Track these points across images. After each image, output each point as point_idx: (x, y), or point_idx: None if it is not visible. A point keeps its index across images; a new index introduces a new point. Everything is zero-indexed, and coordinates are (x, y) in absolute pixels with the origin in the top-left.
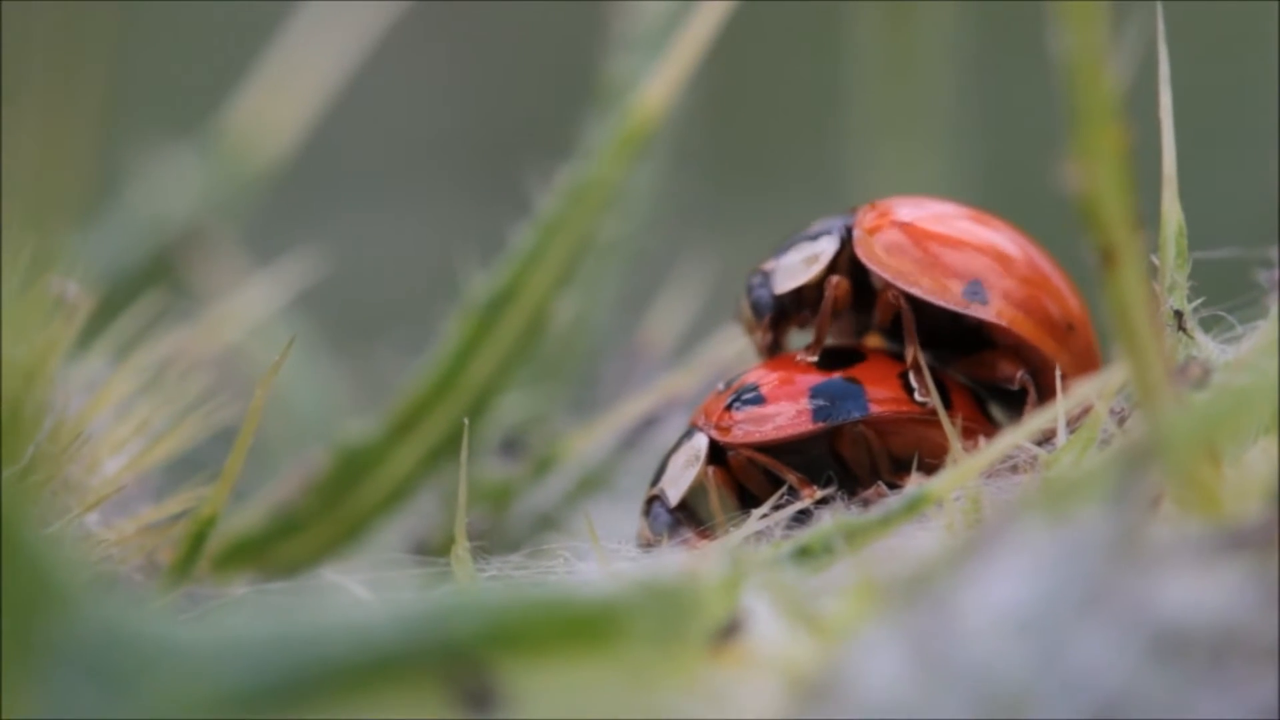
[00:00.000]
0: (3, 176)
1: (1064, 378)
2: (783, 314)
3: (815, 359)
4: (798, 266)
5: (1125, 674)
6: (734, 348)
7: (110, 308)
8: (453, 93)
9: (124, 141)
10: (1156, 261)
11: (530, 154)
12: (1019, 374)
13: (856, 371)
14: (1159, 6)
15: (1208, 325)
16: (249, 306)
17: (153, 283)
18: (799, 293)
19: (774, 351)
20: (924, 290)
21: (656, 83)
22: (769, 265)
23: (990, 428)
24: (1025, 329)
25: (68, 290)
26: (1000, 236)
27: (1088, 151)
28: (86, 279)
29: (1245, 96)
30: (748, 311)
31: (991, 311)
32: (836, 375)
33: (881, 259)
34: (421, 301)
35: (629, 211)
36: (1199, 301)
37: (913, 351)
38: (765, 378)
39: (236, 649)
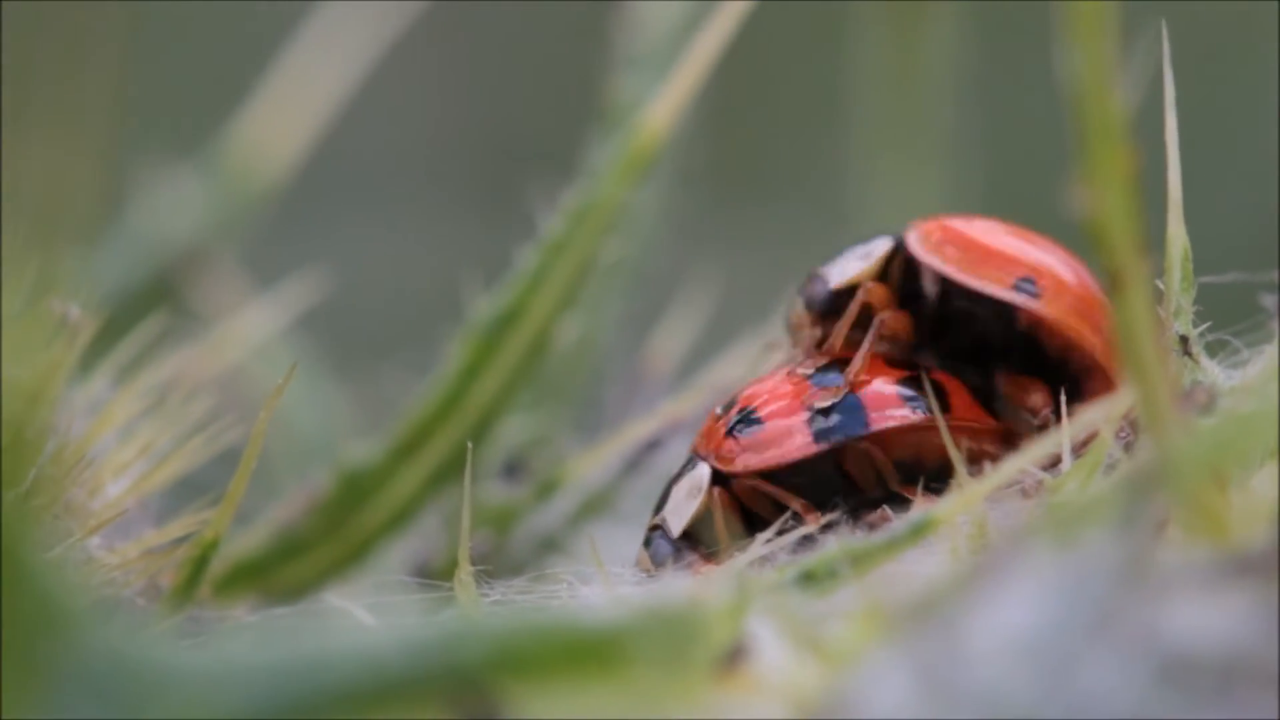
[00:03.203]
0: (6, 196)
1: (1114, 386)
2: (835, 311)
3: (811, 371)
4: (853, 263)
5: (1132, 699)
6: (738, 369)
7: (113, 329)
8: (456, 111)
9: (126, 162)
10: (1161, 286)
11: (534, 173)
12: (1044, 411)
13: (854, 385)
14: (1165, 28)
15: (1213, 350)
16: (252, 328)
17: (155, 304)
18: (854, 290)
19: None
20: (980, 281)
21: (661, 103)
22: (825, 268)
23: (992, 423)
24: (1077, 328)
25: (70, 312)
26: (1047, 250)
27: (1096, 175)
28: (89, 301)
29: (1250, 119)
30: (800, 309)
31: (1043, 305)
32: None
33: (938, 250)
34: (425, 321)
35: (633, 232)
36: (1205, 326)
37: (854, 365)
38: (762, 398)
39: (242, 674)
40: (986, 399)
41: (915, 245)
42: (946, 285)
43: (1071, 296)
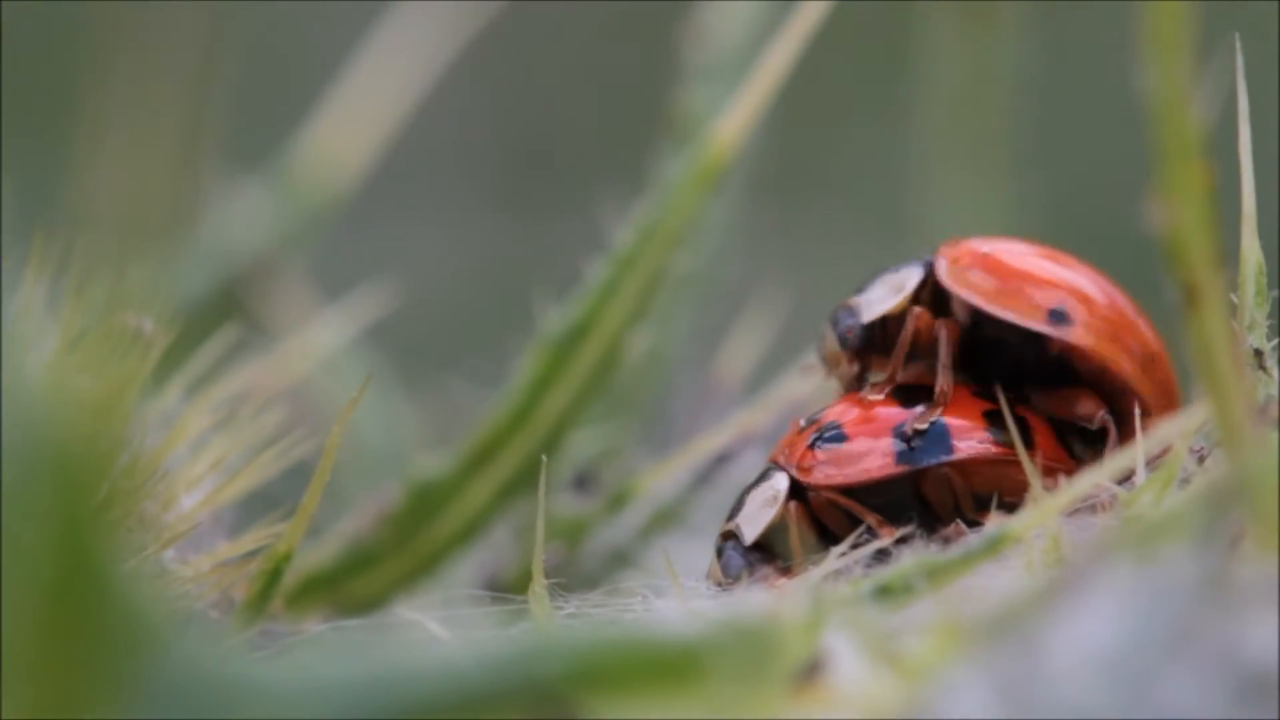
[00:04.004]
0: (82, 208)
1: (1148, 409)
2: (869, 345)
3: (891, 392)
4: (884, 295)
5: (1211, 716)
6: (808, 383)
7: (184, 343)
8: (522, 122)
9: (197, 174)
10: (1235, 299)
11: (600, 185)
12: (1100, 414)
13: (942, 411)
14: (1238, 40)
15: None
16: (320, 340)
17: (225, 317)
18: (885, 322)
19: (860, 384)
20: (1011, 313)
21: (731, 116)
22: (853, 300)
23: (1072, 464)
24: (1110, 354)
25: (144, 325)
26: (1079, 273)
27: (1172, 190)
28: (162, 314)
29: None
30: (833, 344)
31: (1076, 334)
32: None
33: (968, 282)
34: (489, 332)
35: (702, 245)
36: (1278, 340)
37: (944, 380)
38: (848, 416)
39: (323, 688)
40: (1065, 439)
41: (945, 275)
42: (978, 314)
43: (1104, 323)
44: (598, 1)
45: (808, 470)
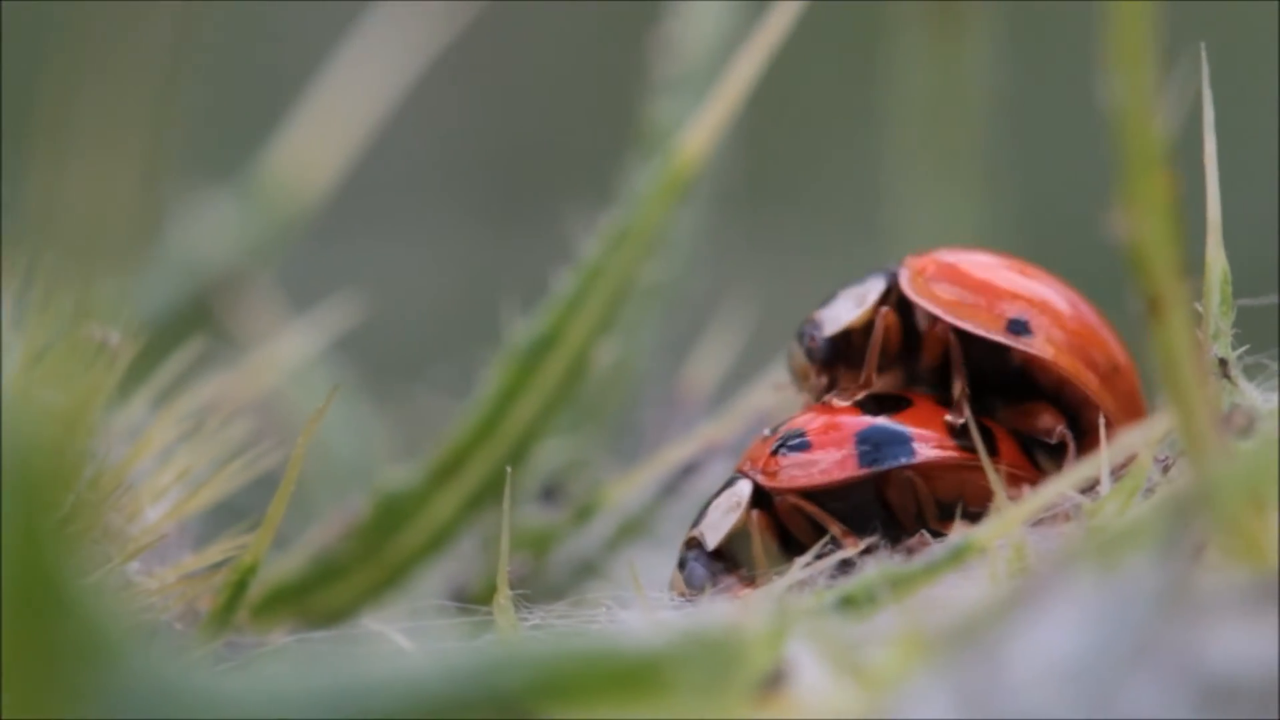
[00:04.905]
0: (46, 219)
1: (1109, 421)
2: (836, 357)
3: (861, 400)
4: (847, 308)
5: None
6: (775, 395)
7: (151, 354)
8: (488, 132)
9: (163, 184)
10: (1200, 308)
11: (567, 194)
12: (1058, 428)
13: (904, 417)
14: (1203, 50)
15: (1251, 373)
16: (287, 351)
17: (193, 329)
18: (849, 335)
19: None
20: (971, 323)
21: (699, 126)
22: (818, 314)
23: (1036, 473)
24: (1069, 366)
25: (109, 337)
26: (1043, 284)
27: (1136, 200)
28: (128, 325)
29: None
30: (801, 358)
31: (1036, 345)
32: (883, 420)
33: (930, 293)
34: (457, 343)
35: (669, 255)
36: (1243, 349)
37: (960, 385)
38: (812, 423)
39: (284, 700)
40: (1028, 450)
41: (907, 286)
42: (940, 323)
43: (1066, 334)
44: (567, 13)
45: (772, 474)
